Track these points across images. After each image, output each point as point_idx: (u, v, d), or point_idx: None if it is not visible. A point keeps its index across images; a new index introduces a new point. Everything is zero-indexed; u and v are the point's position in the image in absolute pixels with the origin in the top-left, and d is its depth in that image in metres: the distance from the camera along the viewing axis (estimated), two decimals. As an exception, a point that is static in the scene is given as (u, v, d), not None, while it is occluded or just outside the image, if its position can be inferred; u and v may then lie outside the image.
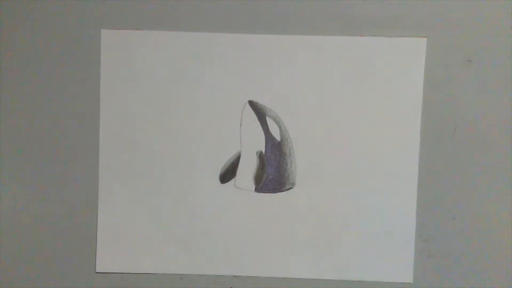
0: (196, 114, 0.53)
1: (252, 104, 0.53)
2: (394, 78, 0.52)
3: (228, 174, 0.54)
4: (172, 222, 0.54)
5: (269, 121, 0.53)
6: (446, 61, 0.52)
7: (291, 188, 0.53)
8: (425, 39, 0.52)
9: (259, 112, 0.53)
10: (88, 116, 0.54)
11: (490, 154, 0.53)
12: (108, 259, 0.54)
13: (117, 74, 0.53)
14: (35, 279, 0.54)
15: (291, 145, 0.53)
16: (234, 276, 0.54)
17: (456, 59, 0.52)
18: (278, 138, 0.53)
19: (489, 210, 0.53)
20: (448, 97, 0.53)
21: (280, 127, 0.53)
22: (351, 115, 0.53)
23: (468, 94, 0.52)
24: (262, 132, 0.53)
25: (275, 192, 0.54)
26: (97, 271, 0.54)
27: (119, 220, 0.54)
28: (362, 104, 0.53)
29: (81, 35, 0.53)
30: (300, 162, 0.53)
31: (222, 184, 0.54)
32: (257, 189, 0.54)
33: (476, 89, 0.52)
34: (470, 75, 0.52)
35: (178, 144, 0.53)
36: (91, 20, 0.53)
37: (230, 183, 0.54)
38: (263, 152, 0.54)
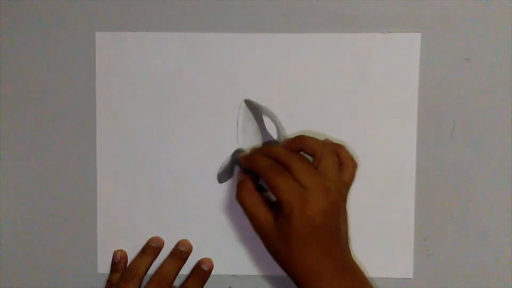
0: (192, 115, 0.53)
1: (248, 103, 0.53)
2: (389, 75, 0.52)
3: (225, 174, 0.54)
4: (171, 222, 0.54)
5: (265, 119, 0.53)
6: (444, 59, 0.52)
7: (289, 186, 0.53)
8: (420, 34, 0.51)
9: (256, 111, 0.53)
10: (85, 118, 0.54)
11: (489, 153, 0.52)
12: (110, 260, 0.54)
13: (113, 76, 0.53)
14: (36, 281, 0.55)
15: (288, 143, 0.53)
16: (232, 275, 0.54)
17: (454, 57, 0.52)
18: (275, 136, 0.53)
19: (488, 209, 0.52)
20: (446, 95, 0.52)
21: (277, 126, 0.53)
22: (347, 112, 0.52)
23: (467, 92, 0.52)
24: (259, 131, 0.53)
25: (274, 190, 0.53)
26: (98, 272, 0.55)
27: (118, 220, 0.54)
28: (358, 101, 0.52)
29: (75, 38, 0.53)
30: (298, 160, 0.53)
31: (220, 184, 0.54)
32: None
33: (475, 87, 0.52)
34: (469, 73, 0.52)
35: (175, 145, 0.54)
36: (85, 23, 0.53)
37: (228, 182, 0.54)
38: (261, 150, 0.54)
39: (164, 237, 0.54)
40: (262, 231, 0.45)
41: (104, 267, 0.55)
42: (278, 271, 0.53)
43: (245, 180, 0.47)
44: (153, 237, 0.54)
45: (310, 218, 0.43)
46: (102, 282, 0.54)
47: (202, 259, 0.54)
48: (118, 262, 0.54)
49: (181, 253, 0.53)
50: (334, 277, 0.43)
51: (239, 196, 0.47)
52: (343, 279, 0.43)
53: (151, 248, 0.54)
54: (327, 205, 0.43)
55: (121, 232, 0.54)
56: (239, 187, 0.47)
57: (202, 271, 0.53)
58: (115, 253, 0.54)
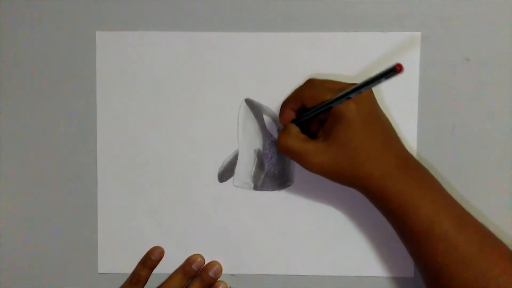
0: (193, 114, 0.53)
1: (248, 102, 0.53)
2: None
3: (226, 173, 0.54)
4: (171, 221, 0.54)
5: (266, 118, 0.53)
6: (444, 59, 0.52)
7: (289, 185, 0.53)
8: (419, 34, 0.52)
9: (256, 110, 0.53)
10: (85, 118, 0.54)
11: (489, 153, 0.52)
12: (110, 260, 0.54)
13: (113, 76, 0.53)
14: (36, 281, 0.55)
15: (288, 142, 0.53)
16: (232, 274, 0.54)
17: (454, 57, 0.52)
18: (275, 135, 0.53)
19: (488, 208, 0.52)
20: (446, 95, 0.52)
21: (277, 125, 0.53)
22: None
23: (467, 92, 0.52)
24: (260, 130, 0.53)
25: (274, 189, 0.54)
26: (99, 272, 0.55)
27: (118, 220, 0.54)
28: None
29: (75, 37, 0.53)
30: (298, 159, 0.53)
31: (221, 183, 0.54)
32: (256, 187, 0.54)
33: (475, 87, 0.52)
34: (469, 73, 0.52)
35: (175, 145, 0.54)
36: (85, 22, 0.53)
37: (229, 182, 0.54)
38: (261, 150, 0.54)
39: (164, 237, 0.54)
40: (319, 160, 0.45)
41: (104, 267, 0.54)
42: (279, 270, 0.54)
43: (286, 128, 0.48)
44: (153, 250, 0.54)
45: (366, 111, 0.45)
46: (102, 282, 0.54)
47: (210, 264, 0.54)
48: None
49: (191, 271, 0.53)
50: (400, 172, 0.45)
51: (281, 142, 0.47)
52: (407, 172, 0.45)
53: (151, 261, 0.54)
54: (372, 100, 0.46)
55: (121, 232, 0.54)
56: (281, 136, 0.47)
57: (209, 278, 0.53)
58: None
